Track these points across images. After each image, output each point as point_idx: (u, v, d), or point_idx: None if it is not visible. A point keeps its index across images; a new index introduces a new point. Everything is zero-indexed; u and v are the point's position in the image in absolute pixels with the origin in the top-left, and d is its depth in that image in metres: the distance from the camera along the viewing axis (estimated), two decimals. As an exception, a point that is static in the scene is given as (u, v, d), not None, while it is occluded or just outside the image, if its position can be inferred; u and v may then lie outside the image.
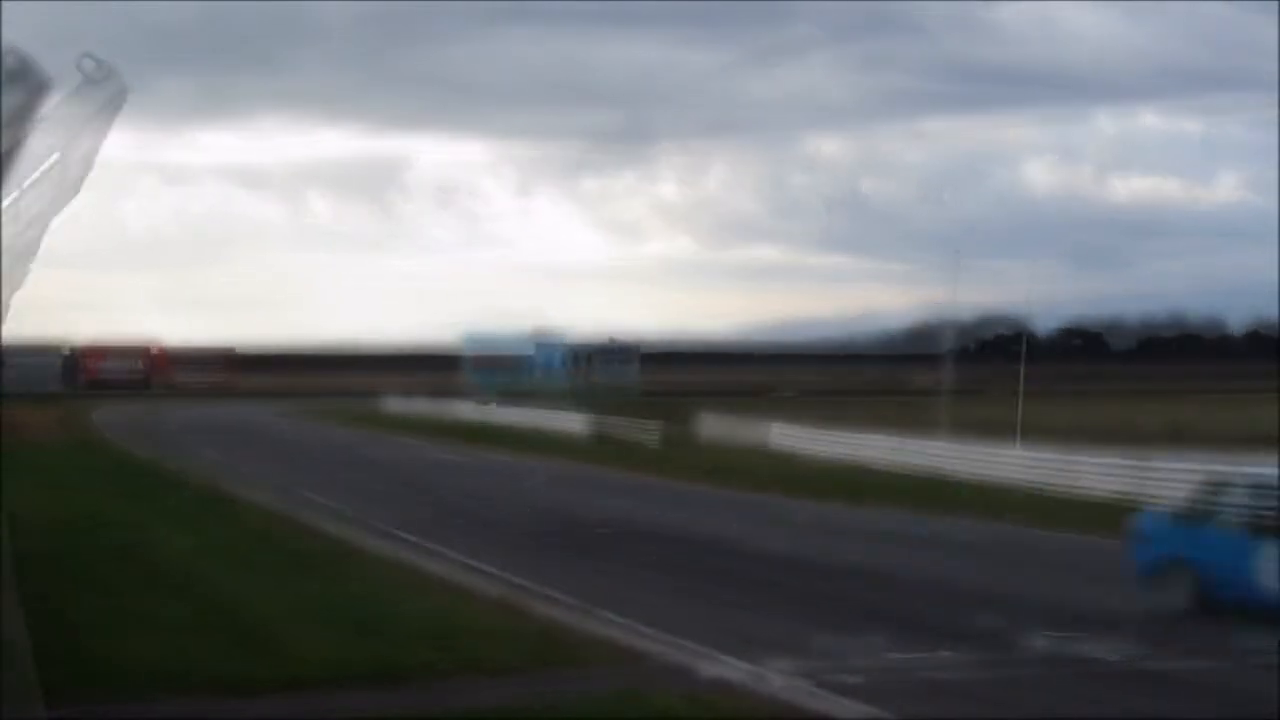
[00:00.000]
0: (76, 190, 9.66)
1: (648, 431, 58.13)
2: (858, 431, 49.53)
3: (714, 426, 57.67)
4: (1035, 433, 42.72)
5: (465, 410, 79.88)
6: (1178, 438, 44.83)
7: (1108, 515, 26.07)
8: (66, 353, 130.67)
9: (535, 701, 13.67)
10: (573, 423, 65.60)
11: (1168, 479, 30.47)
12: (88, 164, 8.80)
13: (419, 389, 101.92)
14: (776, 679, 14.65)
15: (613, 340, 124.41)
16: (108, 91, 5.54)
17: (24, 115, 6.35)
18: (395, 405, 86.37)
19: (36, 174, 5.96)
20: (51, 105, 5.51)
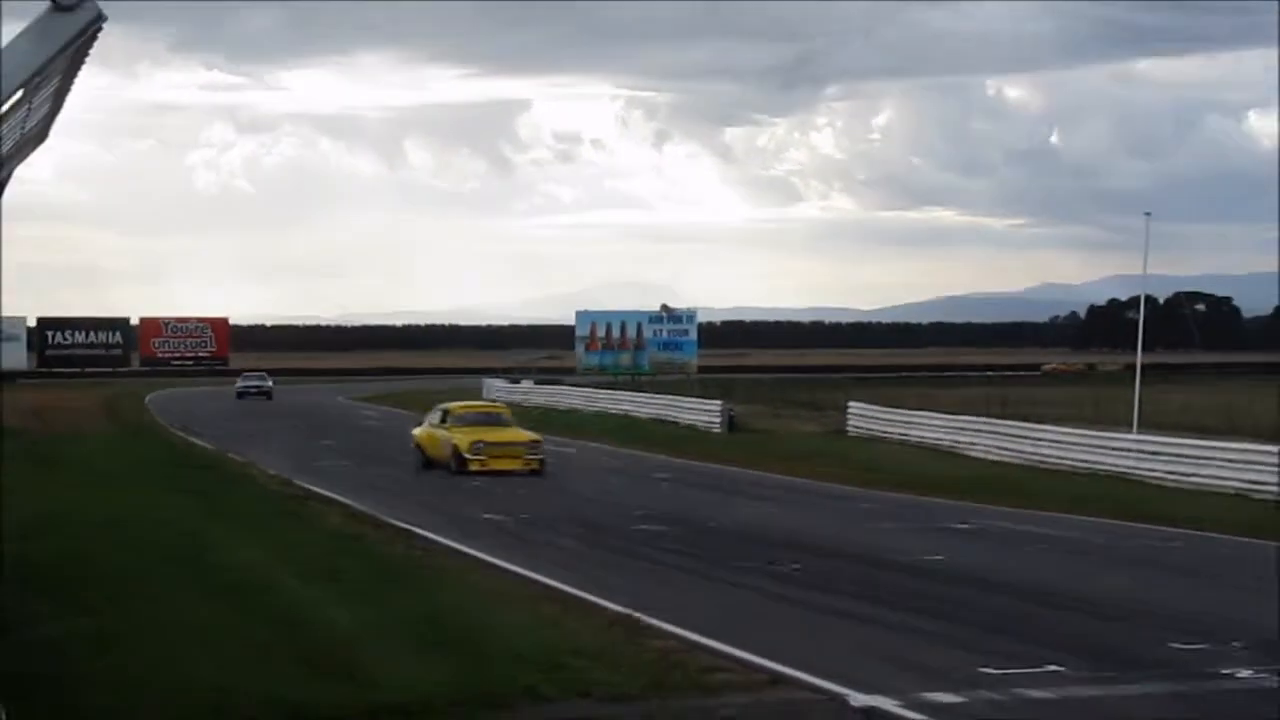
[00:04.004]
0: (43, 137, 9.50)
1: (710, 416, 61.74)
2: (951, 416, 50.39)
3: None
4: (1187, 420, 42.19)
5: (523, 391, 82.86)
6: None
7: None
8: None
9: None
10: (639, 406, 68.41)
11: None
12: (56, 105, 8.58)
13: (523, 369, 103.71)
14: None
15: (666, 308, 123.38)
16: (79, 21, 5.27)
17: (75, 51, 6.19)
18: (497, 388, 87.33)
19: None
20: (14, 36, 5.28)
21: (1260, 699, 15.36)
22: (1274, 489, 34.35)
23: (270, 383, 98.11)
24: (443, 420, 41.10)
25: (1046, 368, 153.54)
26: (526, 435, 40.88)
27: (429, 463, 40.76)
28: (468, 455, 38.83)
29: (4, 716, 8.91)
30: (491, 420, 41.95)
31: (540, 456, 39.74)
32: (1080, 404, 64.87)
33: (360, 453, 49.08)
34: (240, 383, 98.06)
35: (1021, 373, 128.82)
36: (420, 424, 43.32)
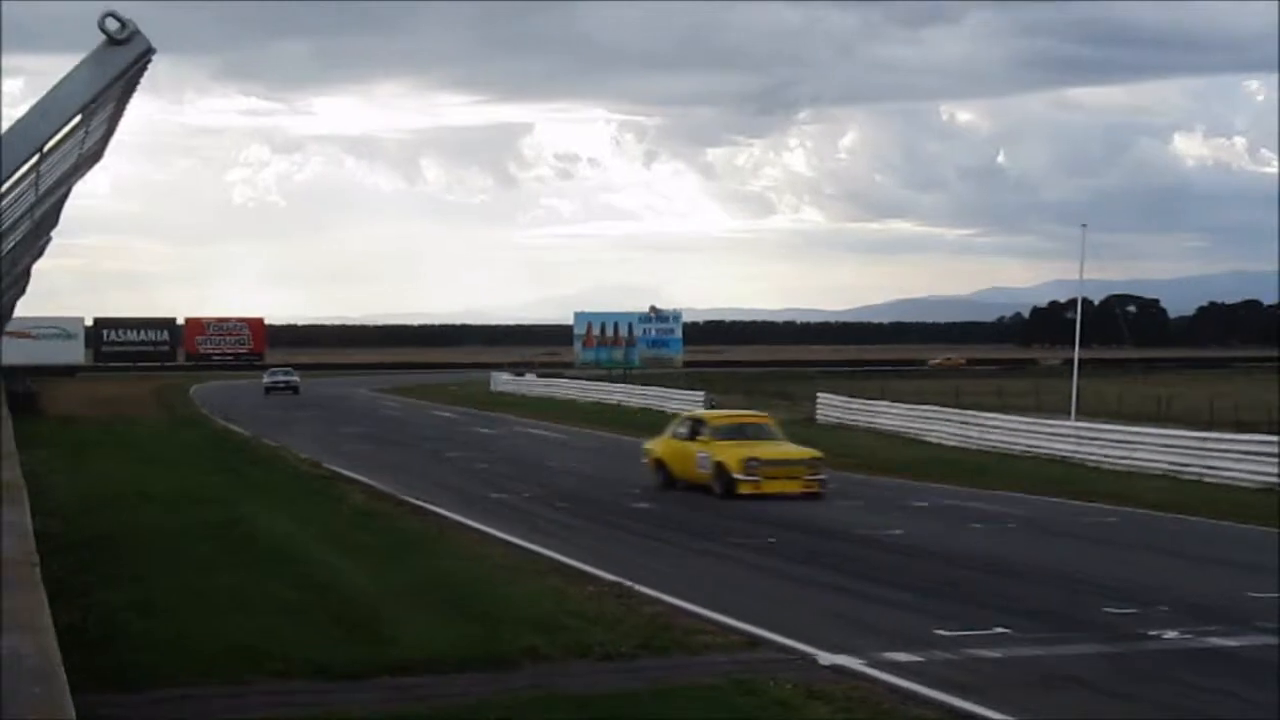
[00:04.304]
0: (99, 156, 9.54)
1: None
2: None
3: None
4: (1122, 409, 42.19)
5: (525, 384, 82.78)
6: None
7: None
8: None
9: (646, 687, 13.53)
10: (630, 397, 68.67)
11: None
12: (110, 129, 8.65)
13: (528, 364, 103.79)
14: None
15: (654, 309, 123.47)
16: (132, 53, 5.34)
17: (127, 80, 6.19)
18: (503, 381, 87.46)
19: (56, 138, 5.78)
20: (73, 67, 5.34)
21: (1184, 659, 15.38)
22: (1197, 470, 34.47)
23: (296, 378, 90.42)
24: (694, 432, 31.72)
25: (933, 362, 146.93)
26: (805, 452, 31.37)
27: (672, 481, 31.61)
28: (739, 475, 29.60)
29: (62, 675, 8.88)
30: (758, 433, 32.31)
31: (822, 477, 30.52)
32: (1023, 395, 64.96)
33: (381, 438, 49.05)
34: (267, 378, 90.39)
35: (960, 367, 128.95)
36: (658, 436, 33.79)
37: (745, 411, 42.11)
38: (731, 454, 30.01)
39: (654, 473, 32.19)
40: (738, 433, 31.62)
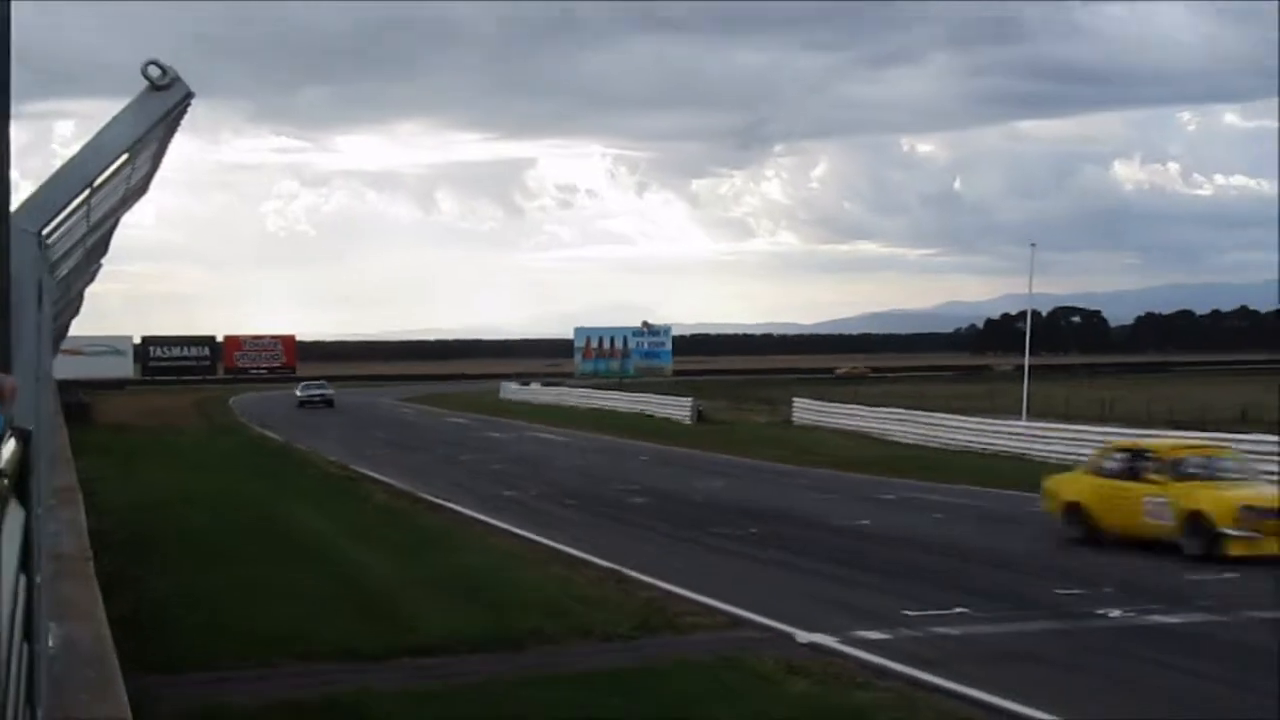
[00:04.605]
0: (144, 191, 9.56)
1: (683, 409, 60.77)
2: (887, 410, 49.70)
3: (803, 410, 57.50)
4: (1068, 410, 42.21)
5: (531, 392, 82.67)
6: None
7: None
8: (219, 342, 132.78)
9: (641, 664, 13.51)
10: (623, 403, 68.50)
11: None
12: (154, 166, 8.68)
13: (533, 374, 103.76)
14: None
15: (646, 324, 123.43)
16: (173, 98, 5.38)
17: (169, 122, 6.20)
18: (511, 389, 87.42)
19: (105, 175, 5.78)
20: (120, 110, 5.36)
21: (1128, 635, 15.37)
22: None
23: (331, 390, 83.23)
24: (1133, 469, 21.79)
25: (839, 371, 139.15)
26: None
27: (1095, 533, 21.98)
28: (1230, 530, 19.76)
29: (114, 658, 8.85)
30: (1227, 468, 21.82)
31: None
32: (979, 398, 64.93)
33: (401, 443, 49.01)
34: (301, 392, 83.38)
35: (922, 373, 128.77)
36: (1064, 473, 25.13)
37: (1201, 439, 30.00)
38: (1214, 500, 20.27)
39: (1063, 522, 22.75)
40: (1204, 468, 21.56)
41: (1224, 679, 13.30)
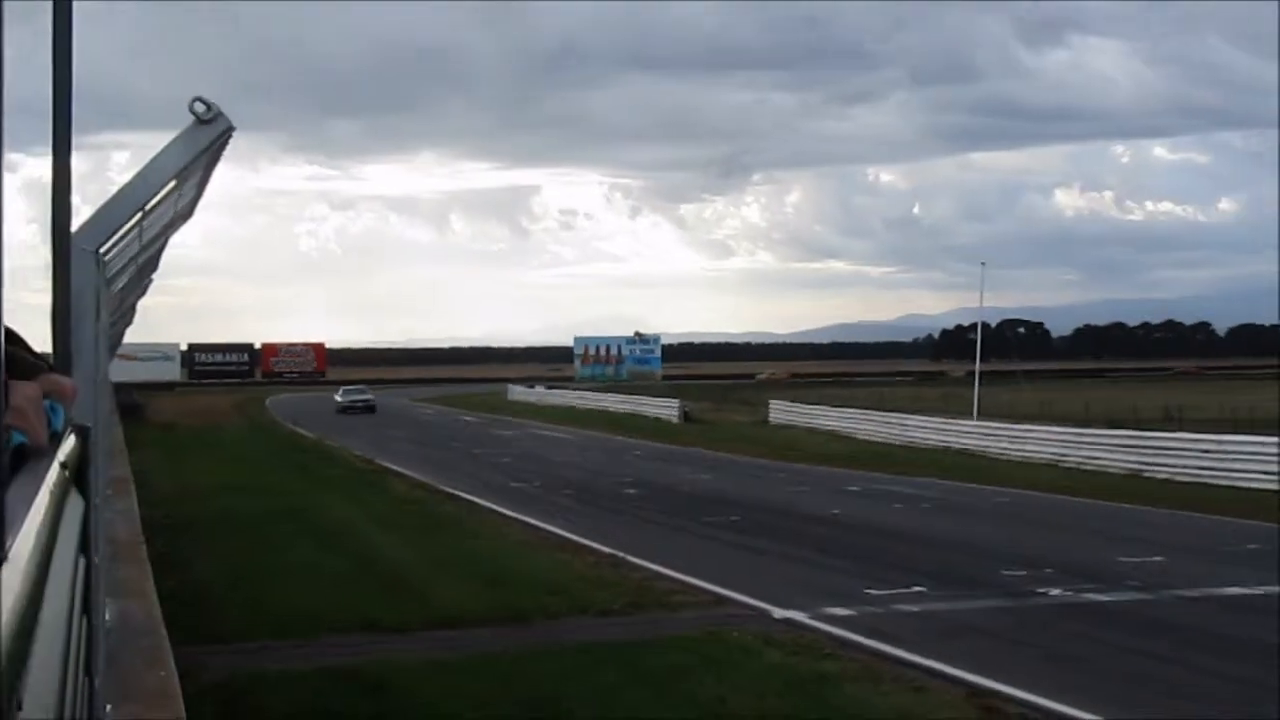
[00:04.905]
0: (190, 215, 9.59)
1: (670, 409, 60.31)
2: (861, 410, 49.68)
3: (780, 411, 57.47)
4: (1013, 411, 42.22)
5: (535, 394, 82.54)
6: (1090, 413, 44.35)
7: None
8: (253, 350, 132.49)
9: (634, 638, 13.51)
10: (618, 404, 68.37)
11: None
12: (199, 191, 8.70)
13: (537, 378, 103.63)
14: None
15: (638, 334, 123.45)
16: (216, 130, 5.42)
17: (212, 152, 6.21)
18: (517, 392, 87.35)
19: (156, 200, 5.80)
20: (169, 142, 5.39)
21: (1067, 611, 15.39)
22: (1075, 459, 34.50)
23: (372, 396, 72.59)
24: None
25: (760, 376, 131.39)
26: None
27: None
28: None
29: (164, 631, 8.84)
30: None
31: None
32: (935, 400, 64.94)
33: (420, 439, 48.95)
34: (342, 397, 72.02)
35: (884, 378, 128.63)
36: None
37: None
38: None
39: None
40: None
41: (1151, 652, 13.32)
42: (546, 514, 24.46)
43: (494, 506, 25.81)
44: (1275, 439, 29.61)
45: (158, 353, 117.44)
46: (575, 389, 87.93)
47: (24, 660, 1.09)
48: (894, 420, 46.86)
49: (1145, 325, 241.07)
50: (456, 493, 28.27)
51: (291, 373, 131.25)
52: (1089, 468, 33.47)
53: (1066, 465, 34.29)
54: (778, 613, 14.96)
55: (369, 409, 68.45)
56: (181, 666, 8.12)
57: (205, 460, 36.95)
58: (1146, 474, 31.30)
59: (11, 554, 1.15)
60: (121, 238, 6.21)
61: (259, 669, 12.25)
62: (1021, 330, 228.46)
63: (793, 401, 59.02)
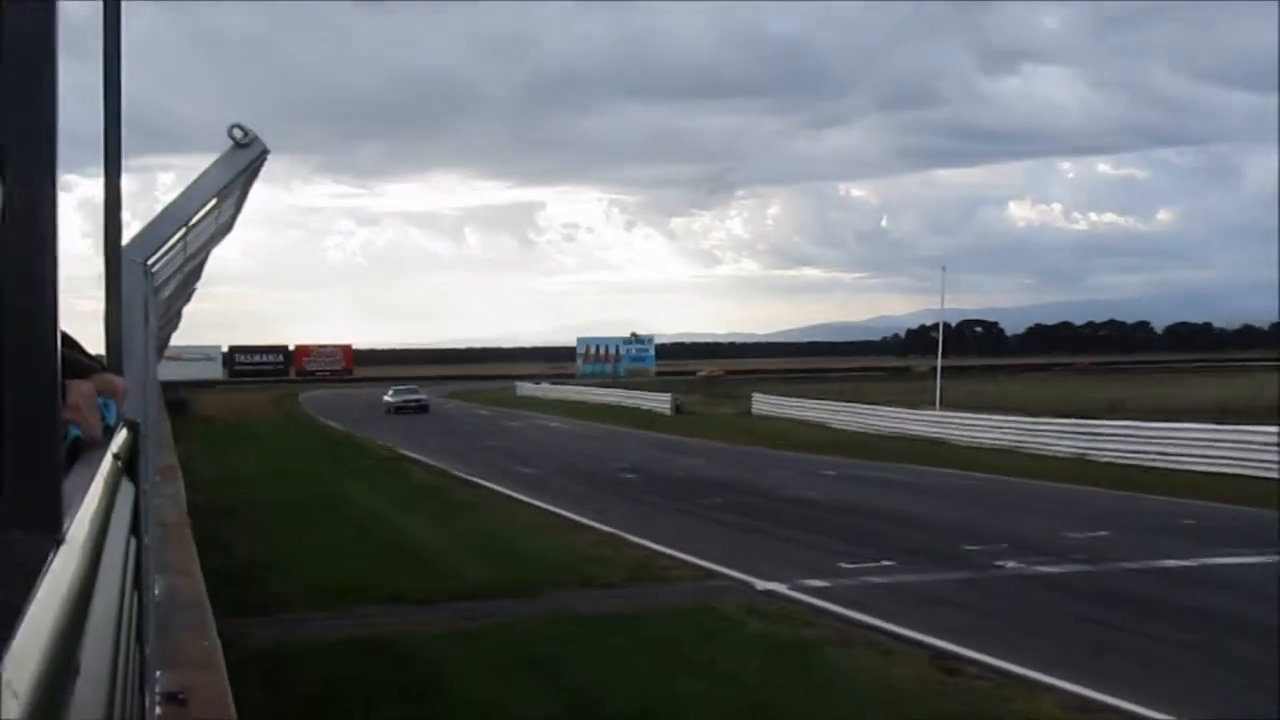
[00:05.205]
0: (229, 230, 9.61)
1: (661, 403, 59.77)
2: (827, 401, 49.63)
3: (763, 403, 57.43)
4: (972, 402, 42.22)
5: (541, 390, 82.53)
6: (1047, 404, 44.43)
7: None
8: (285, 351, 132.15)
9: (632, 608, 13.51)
10: (616, 398, 68.09)
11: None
12: (237, 209, 8.71)
13: (543, 375, 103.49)
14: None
15: (634, 335, 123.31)
16: (252, 153, 5.43)
17: (249, 173, 6.20)
18: (525, 388, 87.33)
19: (198, 216, 5.80)
20: (210, 164, 5.40)
21: (1022, 582, 15.40)
22: (1028, 445, 34.49)
23: (424, 395, 62.58)
24: None
25: (701, 373, 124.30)
26: None
27: None
28: None
29: (208, 604, 8.84)
30: None
31: None
32: (902, 393, 64.93)
33: (438, 430, 48.89)
34: (393, 396, 61.88)
35: (856, 373, 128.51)
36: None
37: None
38: None
39: None
40: None
41: (1097, 618, 13.33)
42: (553, 497, 24.44)
43: (505, 490, 25.80)
44: (1208, 426, 29.63)
45: (201, 354, 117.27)
46: (577, 385, 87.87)
47: (80, 631, 1.09)
48: (865, 411, 46.82)
49: (1090, 324, 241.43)
50: (471, 479, 28.25)
51: (322, 371, 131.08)
52: (1040, 453, 33.47)
53: (1020, 451, 34.29)
54: (760, 585, 14.96)
55: (422, 409, 59.66)
56: (224, 637, 8.11)
57: (244, 450, 36.92)
58: (1090, 458, 31.30)
59: (69, 536, 1.15)
60: (168, 250, 6.20)
61: (296, 638, 12.25)
62: (979, 330, 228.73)
63: (774, 394, 58.94)
